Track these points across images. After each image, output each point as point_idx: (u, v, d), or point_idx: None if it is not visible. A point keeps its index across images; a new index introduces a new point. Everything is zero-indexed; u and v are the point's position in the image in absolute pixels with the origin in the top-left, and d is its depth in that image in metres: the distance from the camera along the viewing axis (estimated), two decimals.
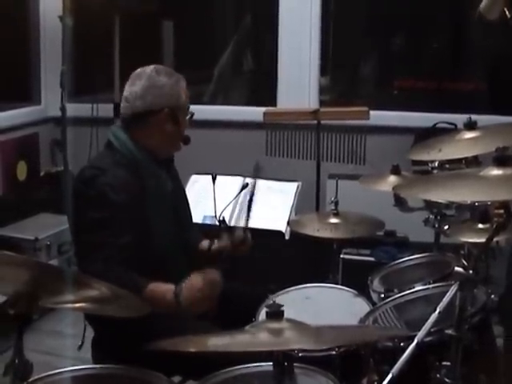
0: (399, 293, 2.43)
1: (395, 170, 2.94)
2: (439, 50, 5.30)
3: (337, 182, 3.20)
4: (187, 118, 2.57)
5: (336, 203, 3.02)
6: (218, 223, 2.87)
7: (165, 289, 2.24)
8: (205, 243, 2.77)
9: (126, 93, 2.49)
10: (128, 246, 2.26)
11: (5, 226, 4.30)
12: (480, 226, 2.61)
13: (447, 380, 1.71)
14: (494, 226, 1.69)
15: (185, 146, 2.61)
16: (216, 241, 2.77)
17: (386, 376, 1.64)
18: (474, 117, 2.27)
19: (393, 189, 2.22)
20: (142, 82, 2.45)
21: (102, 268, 2.18)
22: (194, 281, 2.23)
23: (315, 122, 3.91)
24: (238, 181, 3.63)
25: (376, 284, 2.73)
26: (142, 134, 2.46)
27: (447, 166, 2.92)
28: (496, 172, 1.69)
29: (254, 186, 2.55)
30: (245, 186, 3.11)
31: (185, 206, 2.70)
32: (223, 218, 2.87)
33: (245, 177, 3.65)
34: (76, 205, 2.37)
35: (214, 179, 2.91)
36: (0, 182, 4.55)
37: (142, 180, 2.41)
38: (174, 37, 5.64)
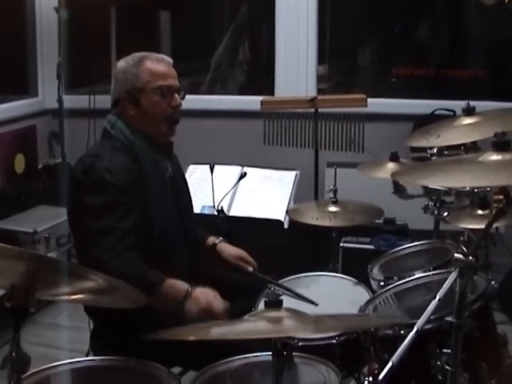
0: (399, 280, 2.43)
1: (394, 157, 2.93)
2: (437, 37, 5.28)
3: (335, 170, 3.18)
4: (161, 97, 2.43)
5: (335, 191, 3.01)
6: (216, 213, 2.87)
7: (179, 288, 2.24)
8: (211, 240, 2.77)
9: None
10: (131, 229, 2.24)
11: (3, 219, 4.29)
12: (479, 212, 2.60)
13: (447, 367, 1.70)
14: (494, 212, 1.68)
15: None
16: (221, 238, 2.76)
17: (387, 364, 1.63)
18: (472, 103, 2.26)
19: (392, 176, 2.20)
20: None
21: (106, 254, 2.16)
22: (201, 298, 2.22)
23: (313, 110, 3.89)
24: (235, 170, 3.62)
25: (376, 272, 2.72)
26: (129, 118, 2.46)
27: (446, 152, 2.91)
28: (495, 157, 1.68)
29: None
30: (243, 176, 3.11)
31: (185, 194, 2.67)
32: (221, 207, 2.87)
33: (243, 166, 3.64)
34: (76, 193, 2.35)
35: (211, 169, 2.90)
36: None
37: (139, 163, 2.39)
38: (171, 27, 5.62)
